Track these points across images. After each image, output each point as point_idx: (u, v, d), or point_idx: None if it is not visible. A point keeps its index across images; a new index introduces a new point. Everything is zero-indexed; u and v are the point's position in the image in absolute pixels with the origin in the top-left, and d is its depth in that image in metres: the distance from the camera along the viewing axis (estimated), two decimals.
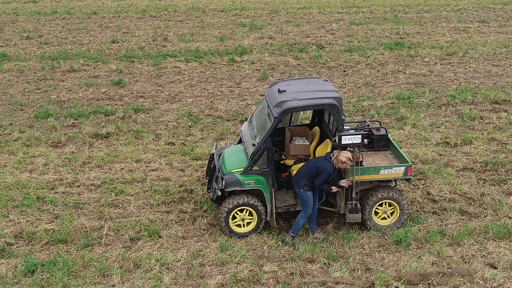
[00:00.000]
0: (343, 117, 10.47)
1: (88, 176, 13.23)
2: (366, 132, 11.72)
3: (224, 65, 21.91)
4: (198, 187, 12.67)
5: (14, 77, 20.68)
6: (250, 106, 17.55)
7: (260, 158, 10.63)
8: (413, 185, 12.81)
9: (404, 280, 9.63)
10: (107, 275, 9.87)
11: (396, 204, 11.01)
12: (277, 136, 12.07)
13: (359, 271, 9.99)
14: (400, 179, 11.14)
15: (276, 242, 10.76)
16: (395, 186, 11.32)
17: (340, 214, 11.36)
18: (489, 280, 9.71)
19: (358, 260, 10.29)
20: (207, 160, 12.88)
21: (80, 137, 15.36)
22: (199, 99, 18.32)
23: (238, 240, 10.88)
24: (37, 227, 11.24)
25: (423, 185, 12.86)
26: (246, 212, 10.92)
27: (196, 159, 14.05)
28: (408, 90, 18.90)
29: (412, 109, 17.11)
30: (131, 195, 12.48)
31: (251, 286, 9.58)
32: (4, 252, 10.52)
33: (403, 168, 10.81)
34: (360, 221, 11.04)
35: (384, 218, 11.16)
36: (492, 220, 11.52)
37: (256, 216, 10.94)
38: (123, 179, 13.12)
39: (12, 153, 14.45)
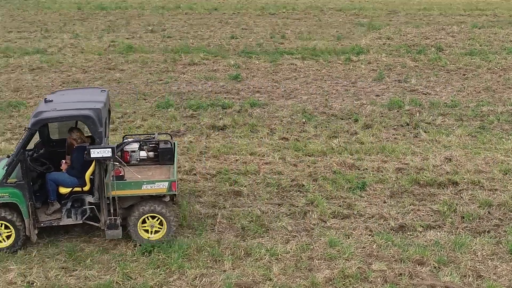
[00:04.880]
0: (100, 130, 9.99)
1: (204, 166, 13.73)
2: (153, 145, 11.52)
3: (340, 64, 21.94)
4: (310, 183, 12.82)
5: (139, 68, 21.72)
6: (365, 105, 17.48)
7: (13, 170, 10.16)
8: None
9: None
10: (219, 260, 10.23)
11: (162, 217, 10.62)
12: (62, 147, 11.49)
13: (470, 278, 9.76)
14: (165, 194, 10.66)
15: (386, 242, 10.72)
16: (168, 200, 10.77)
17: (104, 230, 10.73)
18: None
19: (470, 266, 10.04)
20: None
21: (198, 127, 15.95)
22: (314, 97, 18.47)
23: (347, 237, 10.92)
24: None
25: None
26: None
27: (309, 155, 14.21)
28: None
29: None
30: (244, 186, 12.82)
31: (359, 283, 9.62)
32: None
33: (166, 184, 10.44)
34: (120, 237, 10.58)
35: (153, 232, 10.77)
36: None
37: (14, 231, 10.37)
38: (237, 170, 13.51)
39: None
